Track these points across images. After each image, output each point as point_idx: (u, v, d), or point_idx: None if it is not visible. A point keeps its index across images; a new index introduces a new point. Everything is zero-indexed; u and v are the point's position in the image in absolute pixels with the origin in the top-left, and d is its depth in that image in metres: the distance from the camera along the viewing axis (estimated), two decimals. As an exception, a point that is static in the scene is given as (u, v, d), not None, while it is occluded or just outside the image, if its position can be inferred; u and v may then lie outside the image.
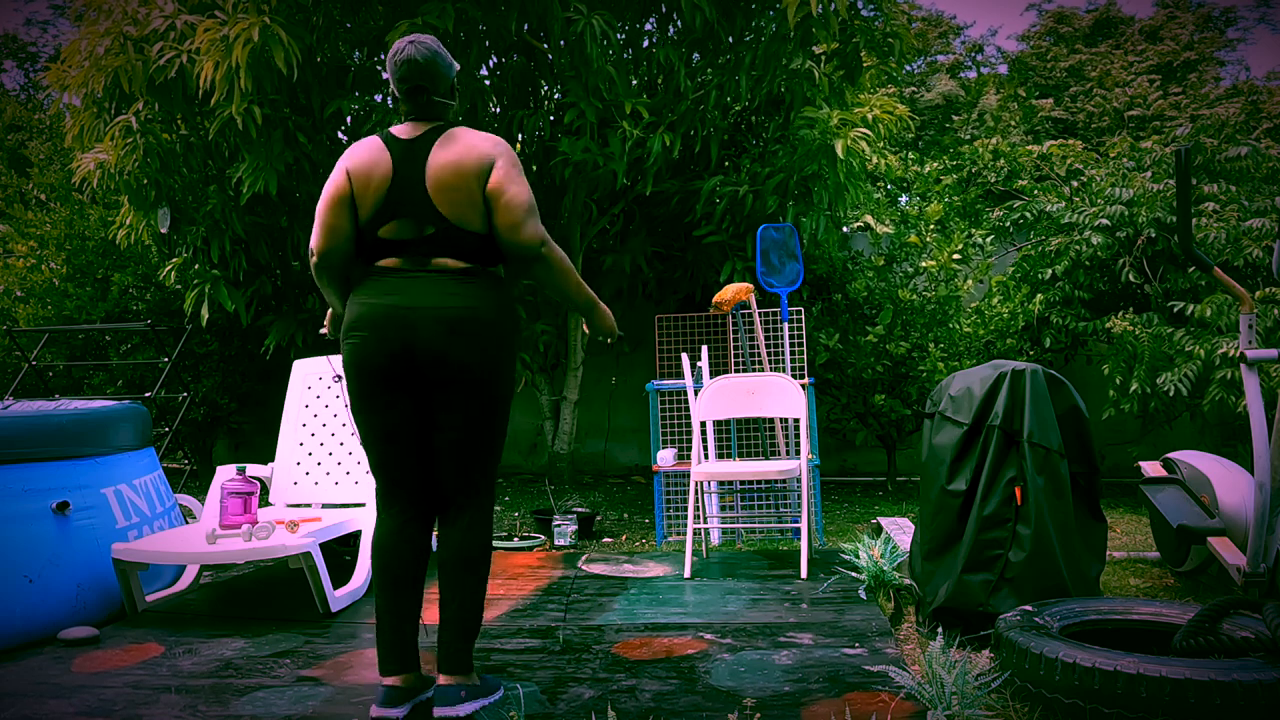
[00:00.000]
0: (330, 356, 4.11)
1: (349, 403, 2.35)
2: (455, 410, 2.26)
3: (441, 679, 2.24)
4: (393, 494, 2.32)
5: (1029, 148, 7.06)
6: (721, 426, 4.70)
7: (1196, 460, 3.51)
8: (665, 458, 4.19)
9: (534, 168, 5.78)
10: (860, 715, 2.16)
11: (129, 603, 3.25)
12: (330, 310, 2.54)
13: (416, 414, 2.28)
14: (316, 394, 4.04)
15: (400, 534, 2.29)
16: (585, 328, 2.53)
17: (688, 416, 4.69)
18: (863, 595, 3.26)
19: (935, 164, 7.19)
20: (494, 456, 2.34)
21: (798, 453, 4.31)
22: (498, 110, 5.47)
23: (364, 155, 2.29)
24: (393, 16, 4.75)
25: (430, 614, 2.66)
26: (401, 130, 2.32)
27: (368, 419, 2.29)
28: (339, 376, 2.54)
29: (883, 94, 6.03)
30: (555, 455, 5.99)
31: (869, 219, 6.17)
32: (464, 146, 2.25)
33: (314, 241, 2.32)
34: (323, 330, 2.64)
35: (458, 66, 2.44)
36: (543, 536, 4.52)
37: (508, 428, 2.39)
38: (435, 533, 2.38)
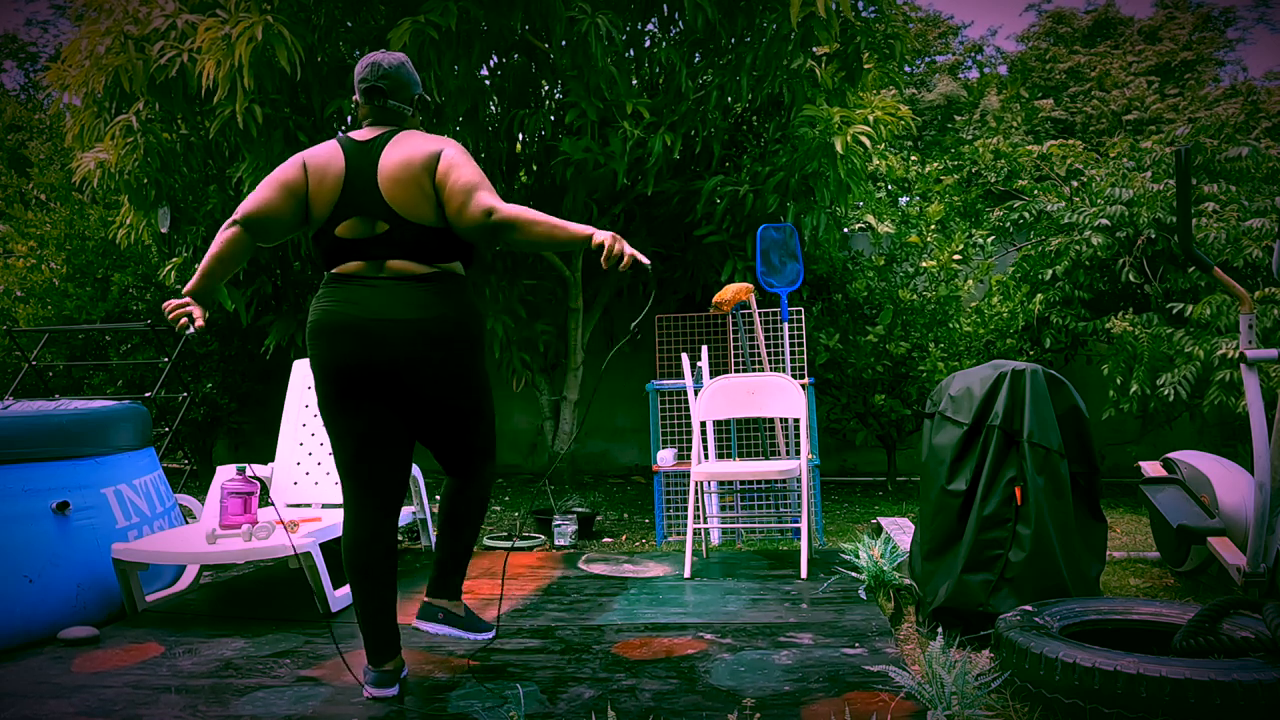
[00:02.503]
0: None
1: (319, 406, 2.40)
2: (430, 412, 2.36)
3: (426, 599, 2.49)
4: (363, 496, 2.36)
5: (1029, 148, 7.06)
6: (721, 426, 4.70)
7: (1196, 460, 3.50)
8: (665, 458, 4.19)
9: (534, 167, 5.78)
10: (860, 715, 2.16)
11: (129, 603, 3.25)
12: (194, 280, 2.36)
13: (384, 419, 2.34)
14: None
15: (372, 535, 2.35)
16: (604, 262, 2.19)
17: (688, 416, 4.69)
18: (863, 595, 3.26)
19: (936, 164, 7.19)
20: (484, 433, 2.48)
21: (798, 453, 4.31)
22: (498, 110, 5.48)
23: (321, 154, 2.37)
24: (394, 15, 4.75)
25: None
26: (358, 134, 2.40)
27: (336, 423, 2.35)
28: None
29: (884, 95, 6.02)
30: (555, 455, 5.99)
31: (870, 219, 6.17)
32: (414, 143, 2.33)
33: (246, 206, 2.34)
34: (174, 316, 2.33)
35: (420, 92, 2.50)
36: (543, 536, 4.52)
37: (494, 416, 2.55)
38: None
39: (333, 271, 2.37)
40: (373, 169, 2.31)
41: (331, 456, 3.91)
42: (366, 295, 2.29)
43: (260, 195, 2.35)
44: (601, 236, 2.18)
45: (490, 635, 2.64)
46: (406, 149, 2.32)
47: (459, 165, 2.28)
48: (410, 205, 2.28)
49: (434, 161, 2.29)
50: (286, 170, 2.37)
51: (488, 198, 2.23)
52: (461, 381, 2.36)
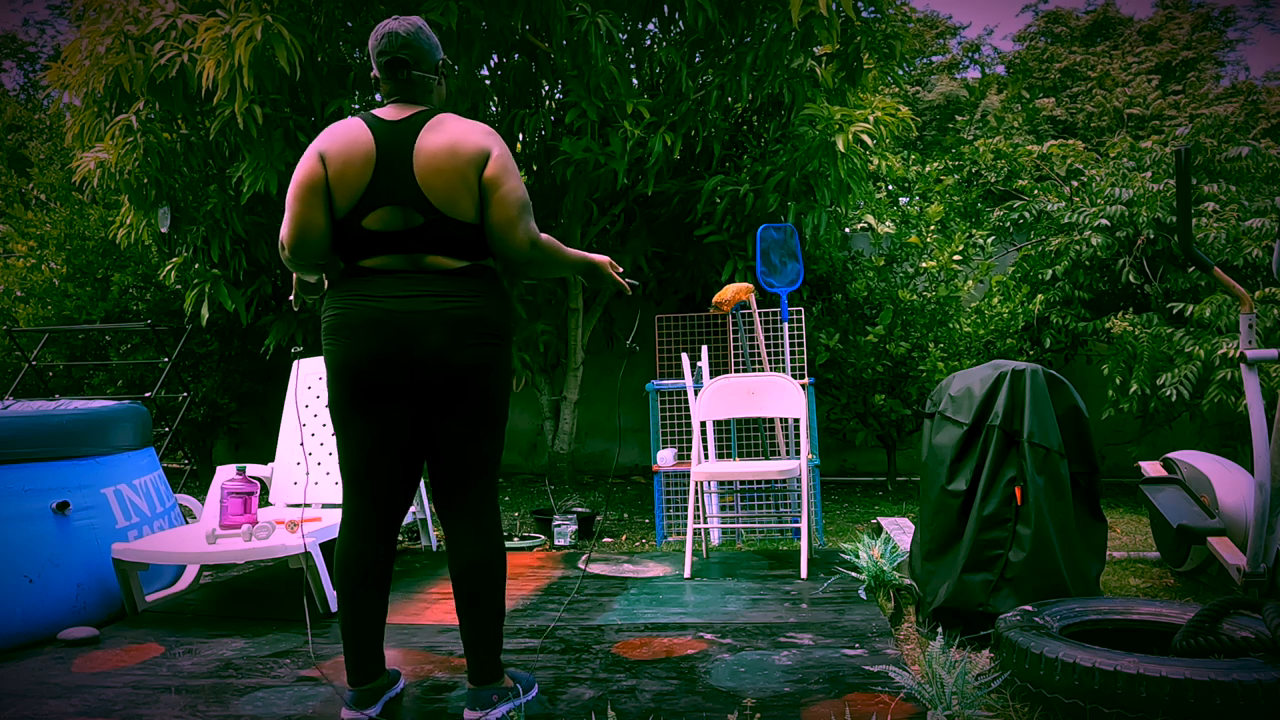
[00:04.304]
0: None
1: (330, 408, 2.23)
2: (459, 415, 2.16)
3: (471, 686, 2.19)
4: (366, 505, 2.20)
5: (1029, 148, 7.06)
6: (721, 426, 4.70)
7: (1196, 460, 3.50)
8: (665, 458, 4.19)
9: (534, 167, 5.78)
10: (860, 716, 2.16)
11: (129, 603, 3.25)
12: (296, 279, 2.35)
13: (400, 426, 2.17)
14: (316, 394, 4.04)
15: (369, 547, 2.20)
16: (585, 281, 2.40)
17: (688, 416, 4.69)
18: (863, 595, 3.26)
19: (936, 164, 7.19)
20: (497, 458, 2.24)
21: (798, 453, 4.31)
22: (498, 110, 5.48)
23: (342, 136, 2.12)
24: (394, 15, 4.75)
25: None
26: (385, 112, 2.17)
27: (354, 426, 2.17)
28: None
29: (885, 94, 6.03)
30: (555, 455, 5.99)
31: (870, 219, 6.18)
32: (458, 131, 2.13)
33: (284, 234, 2.14)
34: (291, 299, 2.50)
35: (442, 56, 2.30)
36: (543, 536, 4.52)
37: (504, 435, 2.31)
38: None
39: (358, 264, 2.16)
40: (408, 154, 2.10)
41: (331, 456, 3.91)
42: (401, 288, 2.11)
43: (293, 217, 2.12)
44: (601, 265, 2.36)
45: (534, 680, 2.43)
46: (450, 136, 2.11)
47: (511, 174, 2.12)
48: (451, 199, 2.09)
49: (483, 159, 2.10)
50: (303, 172, 2.12)
51: (534, 225, 2.14)
52: (488, 388, 2.17)
